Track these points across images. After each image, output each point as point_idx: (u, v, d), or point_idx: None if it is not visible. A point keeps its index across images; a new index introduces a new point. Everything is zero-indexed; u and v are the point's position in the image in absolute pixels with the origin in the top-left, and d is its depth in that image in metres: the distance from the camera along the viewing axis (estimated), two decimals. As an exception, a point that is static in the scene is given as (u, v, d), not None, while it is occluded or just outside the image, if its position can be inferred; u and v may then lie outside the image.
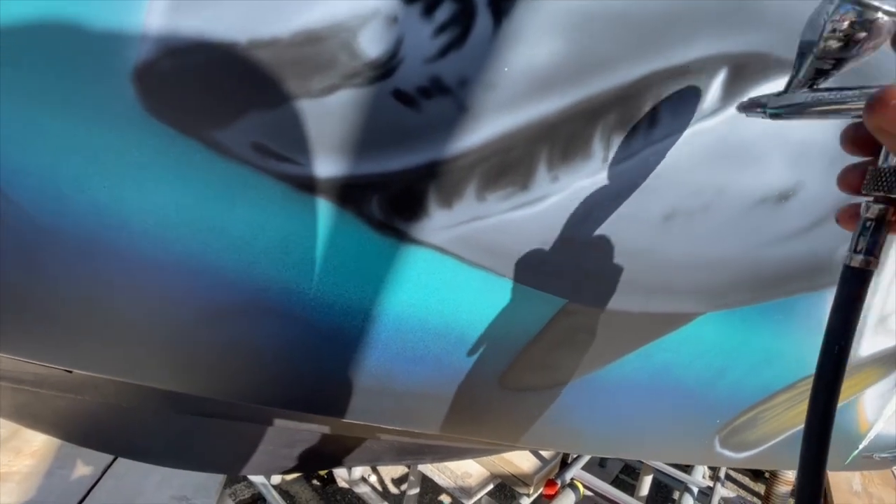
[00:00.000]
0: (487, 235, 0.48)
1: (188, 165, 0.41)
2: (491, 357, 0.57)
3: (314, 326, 0.50)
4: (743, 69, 0.46)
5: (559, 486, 1.66)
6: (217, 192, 0.42)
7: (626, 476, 2.75)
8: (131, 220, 0.42)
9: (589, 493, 1.75)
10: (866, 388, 0.84)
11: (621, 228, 0.51)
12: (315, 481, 2.50)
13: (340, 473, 2.18)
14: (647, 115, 0.46)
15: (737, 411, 0.75)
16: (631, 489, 2.09)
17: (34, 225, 0.40)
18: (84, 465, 1.46)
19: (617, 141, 0.46)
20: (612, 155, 0.47)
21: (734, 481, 2.96)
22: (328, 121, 0.41)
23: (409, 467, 2.05)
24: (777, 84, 0.47)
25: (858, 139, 0.33)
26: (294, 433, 0.95)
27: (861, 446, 0.96)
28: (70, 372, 0.70)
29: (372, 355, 0.53)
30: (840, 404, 0.34)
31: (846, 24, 0.33)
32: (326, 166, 0.43)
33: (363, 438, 1.02)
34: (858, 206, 0.33)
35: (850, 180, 0.34)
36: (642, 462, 2.09)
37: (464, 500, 1.76)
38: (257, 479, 1.95)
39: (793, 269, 0.60)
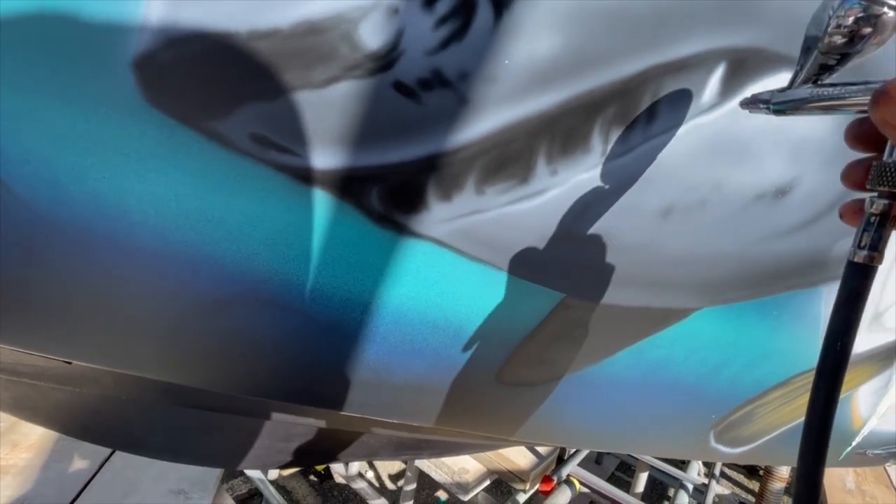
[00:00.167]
0: (486, 229, 0.49)
1: (187, 156, 0.41)
2: (489, 351, 0.57)
3: (312, 318, 0.50)
4: (742, 64, 0.46)
5: (555, 482, 1.67)
6: (216, 183, 0.42)
7: (622, 473, 2.76)
8: (130, 210, 0.42)
9: (585, 489, 1.76)
10: (860, 384, 0.85)
11: (620, 223, 0.51)
12: (312, 477, 2.51)
13: (337, 469, 2.18)
14: (646, 110, 0.46)
15: (732, 406, 0.75)
16: (627, 486, 2.10)
17: (32, 213, 0.40)
18: (81, 459, 1.46)
19: (616, 135, 0.47)
20: (610, 149, 0.47)
21: (729, 478, 2.98)
22: (328, 112, 0.41)
23: (405, 463, 2.05)
24: (775, 79, 0.47)
25: (863, 135, 0.33)
26: (291, 427, 0.96)
27: (854, 443, 0.97)
28: (69, 363, 0.70)
29: (370, 348, 0.53)
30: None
31: (851, 19, 0.32)
32: (326, 158, 0.43)
33: (360, 433, 1.02)
34: (862, 201, 0.33)
35: (854, 176, 0.33)
36: (637, 459, 2.10)
37: (460, 496, 1.77)
38: (254, 474, 1.96)
39: (789, 265, 0.60)
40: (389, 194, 0.45)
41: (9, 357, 0.75)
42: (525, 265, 0.52)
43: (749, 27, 0.45)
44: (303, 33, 0.38)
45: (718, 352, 0.67)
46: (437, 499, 2.37)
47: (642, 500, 1.79)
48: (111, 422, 0.95)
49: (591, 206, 0.49)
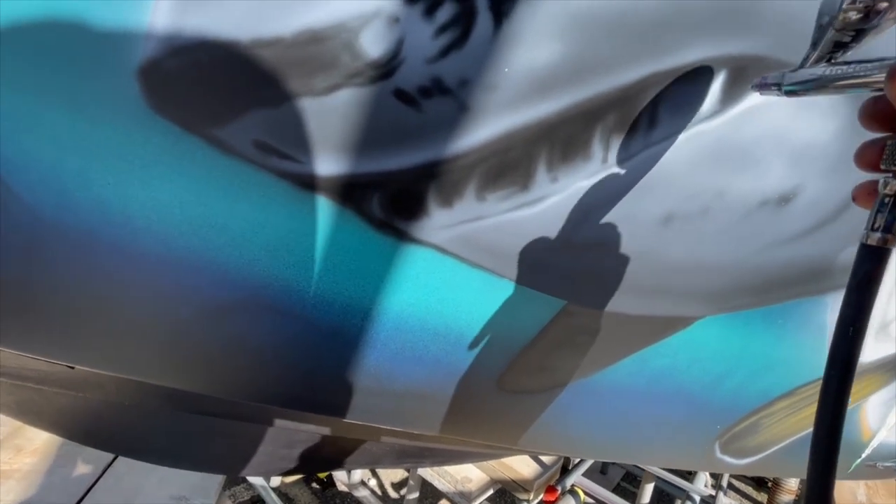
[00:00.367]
0: (487, 235, 0.49)
1: (191, 162, 0.41)
2: (490, 358, 0.57)
3: (314, 324, 0.50)
4: (742, 72, 0.46)
5: (559, 492, 1.65)
6: (219, 190, 0.43)
7: (628, 484, 2.73)
8: (134, 216, 0.42)
9: (589, 499, 1.74)
10: (869, 395, 0.84)
11: (621, 230, 0.51)
12: (314, 484, 2.50)
13: (340, 477, 2.17)
14: (647, 117, 0.46)
15: (737, 417, 0.74)
16: (632, 497, 2.07)
17: (36, 218, 0.41)
18: (84, 464, 1.47)
19: (616, 142, 0.47)
20: (611, 156, 0.47)
21: (737, 490, 2.93)
22: (329, 120, 0.41)
23: (408, 471, 2.04)
24: (776, 86, 0.47)
25: (878, 113, 0.31)
26: (294, 434, 0.95)
27: (864, 455, 0.95)
28: (72, 368, 0.71)
29: (371, 354, 0.53)
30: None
31: None
32: (327, 165, 0.43)
33: (363, 440, 1.02)
34: (876, 182, 0.32)
35: (868, 156, 0.32)
36: (643, 469, 2.07)
37: (463, 505, 1.75)
38: (256, 481, 1.95)
39: (794, 273, 0.60)
40: (390, 201, 0.45)
41: (13, 361, 0.76)
42: (526, 272, 0.52)
43: (749, 35, 0.45)
44: (305, 42, 0.39)
45: (722, 361, 0.66)
46: (440, 508, 2.34)
47: (648, 511, 1.77)
48: (114, 427, 0.96)
49: (591, 213, 0.49)
